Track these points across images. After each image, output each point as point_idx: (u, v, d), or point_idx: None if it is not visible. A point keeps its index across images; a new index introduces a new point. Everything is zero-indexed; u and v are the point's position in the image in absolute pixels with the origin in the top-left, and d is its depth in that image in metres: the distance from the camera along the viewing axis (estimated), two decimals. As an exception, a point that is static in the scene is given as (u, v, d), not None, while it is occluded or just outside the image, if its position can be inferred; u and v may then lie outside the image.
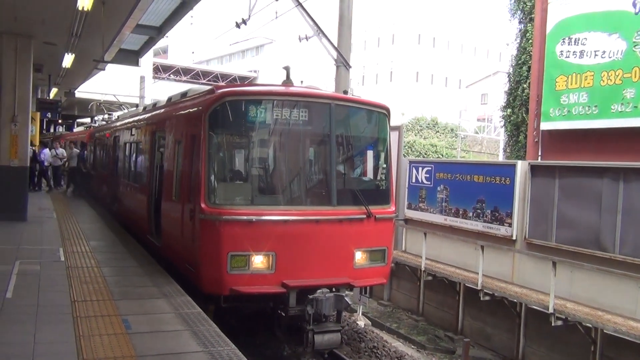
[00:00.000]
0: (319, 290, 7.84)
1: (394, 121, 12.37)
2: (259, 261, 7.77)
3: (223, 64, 77.44)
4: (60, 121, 40.36)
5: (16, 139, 13.75)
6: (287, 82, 9.25)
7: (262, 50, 69.80)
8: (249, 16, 13.67)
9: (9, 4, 11.46)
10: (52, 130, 43.21)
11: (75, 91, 28.82)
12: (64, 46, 14.98)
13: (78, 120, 50.08)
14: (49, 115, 24.92)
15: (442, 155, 32.28)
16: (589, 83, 13.28)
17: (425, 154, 31.71)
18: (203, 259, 7.90)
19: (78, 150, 22.75)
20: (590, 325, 9.74)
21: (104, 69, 20.61)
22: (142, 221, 11.37)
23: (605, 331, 9.49)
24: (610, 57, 12.85)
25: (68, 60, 16.52)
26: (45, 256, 9.73)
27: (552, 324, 10.13)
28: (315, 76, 39.74)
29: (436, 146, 33.13)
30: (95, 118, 36.98)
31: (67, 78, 22.54)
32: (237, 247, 7.67)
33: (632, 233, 10.11)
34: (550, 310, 10.10)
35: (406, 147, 30.55)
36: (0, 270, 8.44)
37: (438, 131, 37.35)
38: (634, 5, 12.43)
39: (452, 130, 37.79)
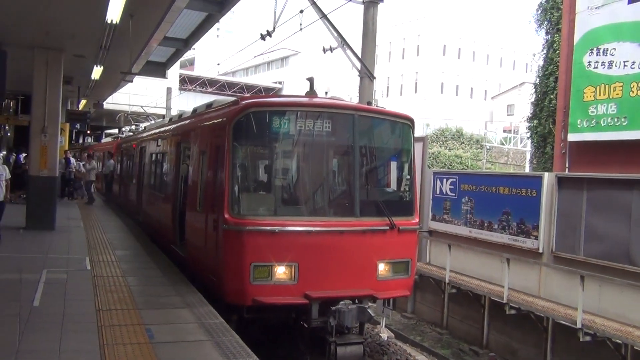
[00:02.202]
0: (341, 302, 7.78)
1: (418, 132, 12.32)
2: (281, 272, 7.75)
3: (248, 75, 78.23)
4: (88, 132, 41.13)
5: (45, 150, 14.05)
6: (311, 93, 9.28)
7: (287, 62, 70.31)
8: (274, 28, 13.79)
9: (41, 19, 11.77)
10: (81, 140, 44.07)
11: (104, 102, 29.37)
12: (93, 59, 15.31)
13: (106, 131, 51.04)
14: (78, 126, 25.42)
15: (467, 166, 32.00)
16: (617, 94, 13.05)
17: (450, 165, 31.47)
18: (226, 269, 7.93)
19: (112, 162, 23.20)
20: (620, 342, 9.49)
21: (131, 81, 20.96)
22: (167, 231, 11.48)
23: (635, 348, 9.24)
24: None
25: (97, 72, 16.88)
26: (72, 265, 9.88)
27: (580, 340, 9.90)
28: (340, 87, 39.84)
29: (461, 157, 32.86)
30: (123, 129, 37.67)
31: (95, 90, 23.02)
32: (260, 258, 7.68)
33: (664, 247, 9.85)
34: (579, 326, 9.88)
35: (431, 159, 30.37)
36: (28, 279, 8.60)
37: (463, 142, 37.05)
38: (664, 14, 12.22)
39: (477, 141, 37.44)
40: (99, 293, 8.02)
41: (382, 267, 8.41)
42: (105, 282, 8.69)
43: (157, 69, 22.70)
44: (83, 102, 27.69)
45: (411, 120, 9.21)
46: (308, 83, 9.40)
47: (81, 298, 7.72)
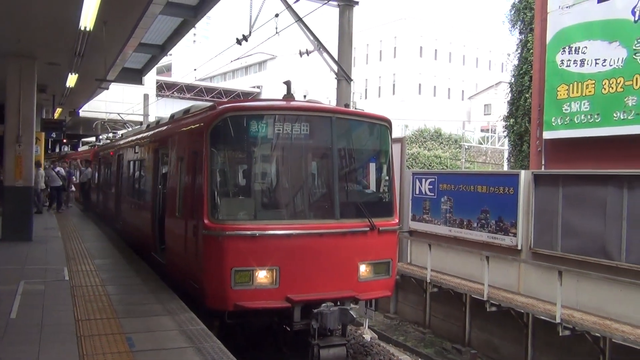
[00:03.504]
0: (323, 304, 7.80)
1: (397, 133, 12.39)
2: (262, 276, 7.74)
3: (226, 80, 77.97)
4: (65, 141, 40.58)
5: (20, 160, 13.84)
6: (288, 96, 9.30)
7: (265, 66, 70.26)
8: (250, 32, 13.76)
9: (13, 26, 11.61)
10: (57, 150, 43.46)
11: (80, 110, 29.01)
12: (67, 66, 15.12)
13: (83, 139, 50.44)
14: (53, 135, 25.07)
15: (447, 166, 32.30)
16: (590, 91, 13.29)
17: (430, 165, 31.72)
18: (207, 275, 7.89)
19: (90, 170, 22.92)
20: (598, 335, 9.65)
21: (107, 88, 20.75)
22: (146, 238, 11.39)
23: (613, 340, 9.39)
24: (611, 65, 12.87)
25: (72, 80, 16.67)
26: (50, 276, 9.74)
27: (560, 334, 10.04)
28: (318, 90, 39.92)
29: (440, 157, 33.16)
30: (100, 137, 37.26)
31: (71, 97, 22.72)
32: (240, 263, 7.66)
33: (638, 240, 10.04)
34: (558, 320, 10.02)
35: (410, 159, 30.59)
36: (4, 291, 8.45)
37: (442, 142, 37.40)
38: (633, 13, 12.48)
39: (455, 141, 37.83)
40: (78, 303, 7.92)
41: (363, 269, 8.45)
42: (84, 292, 8.59)
43: (134, 76, 22.54)
44: (58, 110, 27.30)
45: (388, 122, 9.29)
46: (285, 87, 9.42)
47: (60, 308, 7.62)
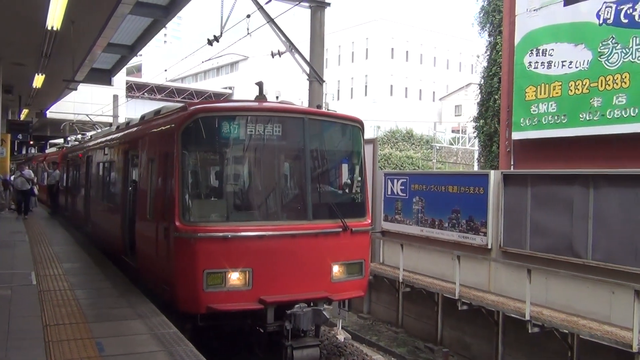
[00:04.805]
0: (296, 305, 7.80)
1: (369, 134, 12.47)
2: (235, 278, 7.70)
3: (198, 81, 77.35)
4: (32, 142, 39.75)
5: (-15, 162, 13.51)
6: (261, 97, 9.27)
7: (236, 67, 69.93)
8: (221, 33, 13.67)
9: (-24, 25, 11.35)
10: (24, 152, 42.54)
11: (47, 111, 28.49)
12: (33, 67, 14.84)
13: (50, 141, 49.43)
14: (20, 136, 24.54)
15: (419, 166, 32.58)
16: (557, 93, 13.57)
17: (402, 166, 31.95)
18: (178, 278, 7.81)
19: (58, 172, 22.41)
20: (566, 331, 9.85)
21: (75, 89, 20.44)
22: (117, 241, 11.22)
23: (581, 336, 9.60)
24: (577, 67, 13.16)
25: (38, 80, 16.36)
26: (17, 280, 9.50)
27: (529, 331, 10.22)
28: (291, 91, 39.89)
29: (412, 158, 33.44)
30: (68, 139, 36.55)
31: (38, 98, 22.31)
32: (213, 265, 7.61)
33: (604, 239, 10.29)
34: (527, 318, 10.20)
35: (383, 160, 30.77)
36: (-31, 296, 8.24)
37: (414, 143, 37.73)
38: (598, 16, 12.78)
39: (427, 142, 38.21)
40: (46, 308, 7.75)
41: (336, 269, 8.47)
42: (52, 297, 8.41)
43: (102, 76, 22.24)
44: (25, 111, 26.77)
45: (360, 123, 9.33)
46: (258, 88, 9.39)
47: (27, 314, 7.44)
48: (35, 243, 13.93)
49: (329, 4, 14.28)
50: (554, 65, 13.72)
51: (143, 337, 6.66)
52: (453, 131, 47.14)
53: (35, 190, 22.59)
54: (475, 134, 24.92)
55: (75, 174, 18.54)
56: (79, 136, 26.63)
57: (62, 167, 22.34)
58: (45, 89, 19.11)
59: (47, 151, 41.27)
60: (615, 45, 12.31)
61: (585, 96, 12.87)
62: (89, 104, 35.50)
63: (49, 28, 10.51)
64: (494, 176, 12.53)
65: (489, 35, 21.75)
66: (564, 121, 13.39)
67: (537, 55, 14.19)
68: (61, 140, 42.79)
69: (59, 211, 22.22)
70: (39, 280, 9.51)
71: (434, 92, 58.34)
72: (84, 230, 15.80)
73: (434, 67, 58.22)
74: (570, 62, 13.30)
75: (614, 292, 9.85)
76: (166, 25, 16.39)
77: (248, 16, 13.24)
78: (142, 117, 11.57)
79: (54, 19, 10.05)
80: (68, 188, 20.26)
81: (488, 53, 21.80)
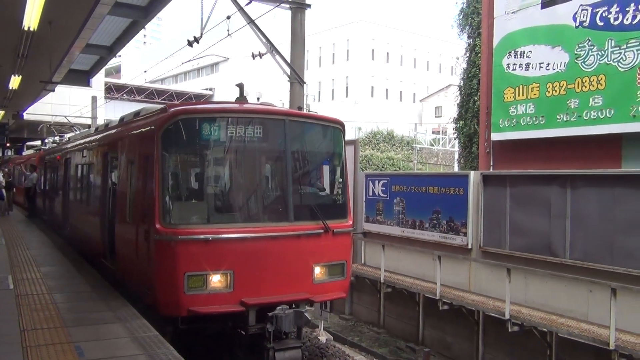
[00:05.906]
0: (278, 307, 7.78)
1: (350, 135, 12.52)
2: (216, 280, 7.66)
3: (178, 82, 76.78)
4: (8, 144, 39.10)
5: (-40, 164, 13.25)
6: (241, 99, 9.25)
7: (217, 68, 69.56)
8: (201, 34, 13.60)
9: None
10: (0, 154, 41.84)
11: (24, 113, 28.05)
12: (10, 67, 14.60)
13: (28, 143, 48.68)
14: (-5, 139, 24.15)
15: (400, 168, 32.71)
16: (535, 94, 13.74)
17: (383, 167, 32.06)
18: (159, 281, 7.75)
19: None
20: (545, 330, 9.99)
21: (53, 90, 20.15)
22: (96, 244, 11.09)
23: (559, 334, 9.75)
24: (554, 69, 13.33)
25: (15, 81, 16.10)
26: (-7, 284, 9.36)
27: (509, 330, 10.34)
28: (272, 93, 39.82)
29: (393, 159, 33.55)
30: (46, 140, 36.04)
31: (14, 100, 21.95)
32: (193, 267, 7.56)
33: (581, 238, 10.45)
34: (507, 317, 10.32)
35: (364, 161, 30.85)
36: (-56, 302, 8.08)
37: (394, 144, 37.87)
38: (574, 19, 12.97)
39: (408, 143, 38.39)
40: (24, 312, 7.64)
41: (317, 271, 8.47)
42: (30, 301, 8.29)
43: (81, 78, 21.99)
44: (1, 113, 26.33)
45: (342, 124, 9.35)
46: (238, 89, 9.36)
47: (4, 319, 7.33)
48: (12, 246, 13.71)
49: (309, 6, 14.30)
50: (532, 67, 13.89)
51: (123, 341, 6.61)
52: (433, 132, 47.46)
53: (4, 193, 22.19)
54: (455, 135, 25.11)
55: (54, 177, 18.28)
56: (57, 138, 26.28)
57: (40, 169, 22.02)
58: (22, 91, 18.82)
59: (24, 153, 40.67)
60: (592, 47, 12.50)
61: (562, 97, 13.05)
62: (67, 106, 35.00)
63: (26, 28, 10.35)
64: (473, 177, 12.65)
65: (468, 37, 21.97)
66: (542, 122, 13.56)
67: (515, 57, 14.35)
68: (39, 142, 42.20)
69: (36, 214, 21.90)
70: (16, 284, 9.37)
71: (414, 94, 58.68)
72: (62, 234, 15.59)
73: (415, 68, 58.56)
74: (548, 64, 13.47)
75: (591, 290, 10.01)
76: (145, 26, 16.26)
77: (228, 17, 13.19)
78: (122, 119, 11.46)
79: (31, 19, 9.89)
80: (46, 191, 19.98)
81: (467, 55, 22.01)
